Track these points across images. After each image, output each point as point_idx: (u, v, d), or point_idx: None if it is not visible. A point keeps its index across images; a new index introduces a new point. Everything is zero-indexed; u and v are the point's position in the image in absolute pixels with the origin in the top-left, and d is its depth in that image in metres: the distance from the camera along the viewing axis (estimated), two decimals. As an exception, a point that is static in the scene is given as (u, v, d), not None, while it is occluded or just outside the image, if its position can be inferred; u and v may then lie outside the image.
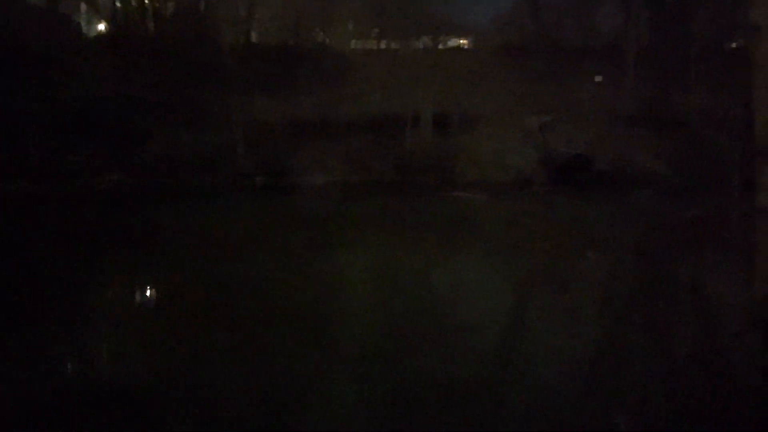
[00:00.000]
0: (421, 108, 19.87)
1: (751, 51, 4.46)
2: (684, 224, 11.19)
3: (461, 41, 24.88)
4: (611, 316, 7.34)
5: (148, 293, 8.69)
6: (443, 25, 23.17)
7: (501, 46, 20.88)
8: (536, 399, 4.92)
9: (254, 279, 8.72)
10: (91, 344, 6.51)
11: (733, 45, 16.94)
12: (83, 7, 23.91)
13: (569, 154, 18.34)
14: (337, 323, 6.98)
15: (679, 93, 17.00)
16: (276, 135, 18.55)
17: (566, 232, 12.33)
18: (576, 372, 5.52)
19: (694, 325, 7.18)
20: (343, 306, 7.69)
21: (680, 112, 16.53)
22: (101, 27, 24.15)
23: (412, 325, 6.82)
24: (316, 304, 7.61)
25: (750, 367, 5.29)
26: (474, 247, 11.39)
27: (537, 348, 6.16)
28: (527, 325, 7.08)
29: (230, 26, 21.74)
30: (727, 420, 4.48)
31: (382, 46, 23.41)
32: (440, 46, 23.79)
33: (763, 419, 4.35)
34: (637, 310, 7.67)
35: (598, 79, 21.22)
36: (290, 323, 6.85)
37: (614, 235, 11.98)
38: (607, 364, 5.82)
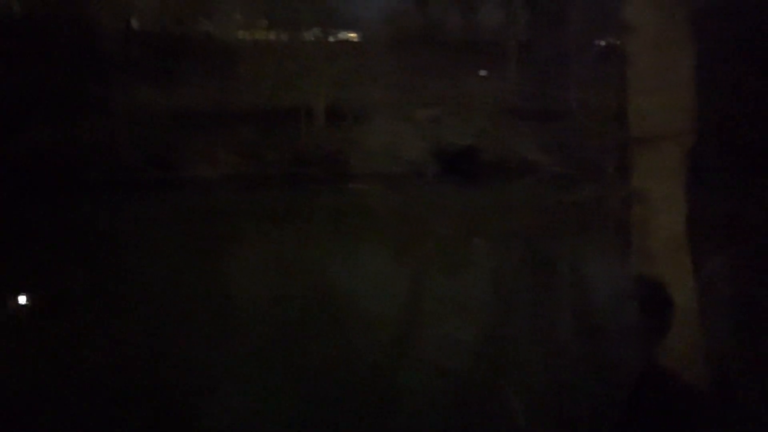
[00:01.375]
0: (313, 100, 19.78)
1: (624, 47, 4.79)
2: (566, 209, 11.92)
3: (351, 34, 24.97)
4: (501, 299, 7.70)
5: (24, 297, 8.12)
6: (333, 17, 23.14)
7: (390, 40, 21.16)
8: (432, 382, 5.10)
9: (143, 278, 8.38)
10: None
11: (607, 42, 18.14)
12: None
13: (458, 146, 18.92)
14: (233, 318, 6.85)
15: (559, 86, 17.99)
16: (162, 127, 17.78)
17: (457, 221, 12.77)
18: (469, 354, 5.75)
19: (576, 303, 7.67)
20: (239, 300, 7.56)
21: (560, 105, 17.51)
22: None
23: (309, 317, 6.81)
24: (209, 299, 7.44)
25: (626, 340, 5.78)
26: (369, 238, 11.54)
27: (432, 332, 6.34)
28: (422, 311, 7.26)
29: (109, 12, 20.53)
30: (604, 389, 4.88)
31: (271, 37, 23.04)
32: (330, 39, 23.74)
33: (635, 387, 4.73)
34: (525, 291, 8.08)
35: (483, 73, 22.00)
36: (182, 320, 6.66)
37: (502, 222, 12.55)
38: (498, 346, 6.10)
